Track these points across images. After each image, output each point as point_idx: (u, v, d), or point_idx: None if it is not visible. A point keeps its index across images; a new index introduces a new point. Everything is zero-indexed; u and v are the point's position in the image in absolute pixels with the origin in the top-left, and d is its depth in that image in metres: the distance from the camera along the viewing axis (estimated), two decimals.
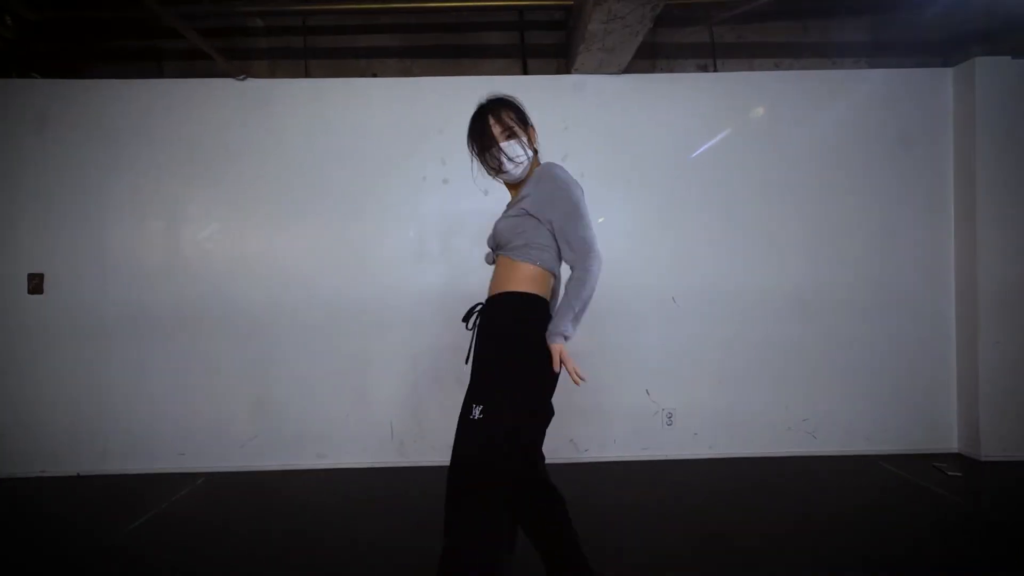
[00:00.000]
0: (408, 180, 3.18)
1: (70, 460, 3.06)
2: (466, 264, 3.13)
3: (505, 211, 1.67)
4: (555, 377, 1.51)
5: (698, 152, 3.19)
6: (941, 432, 3.21)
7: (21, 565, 2.14)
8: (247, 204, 3.16)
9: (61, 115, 3.10)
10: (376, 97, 3.20)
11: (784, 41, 3.38)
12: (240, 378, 3.13)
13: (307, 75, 3.29)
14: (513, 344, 1.48)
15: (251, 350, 3.13)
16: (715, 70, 3.34)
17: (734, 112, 3.22)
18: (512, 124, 1.59)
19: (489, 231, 1.71)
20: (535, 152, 1.68)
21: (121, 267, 3.12)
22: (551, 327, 1.47)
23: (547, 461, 1.62)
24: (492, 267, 1.71)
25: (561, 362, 1.44)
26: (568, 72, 3.22)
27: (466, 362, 1.59)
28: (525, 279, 1.54)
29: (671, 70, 3.35)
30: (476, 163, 1.68)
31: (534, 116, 1.69)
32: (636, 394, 3.17)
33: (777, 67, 3.37)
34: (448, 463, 1.48)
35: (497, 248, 1.65)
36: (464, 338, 1.67)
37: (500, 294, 1.56)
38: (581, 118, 3.18)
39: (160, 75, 3.26)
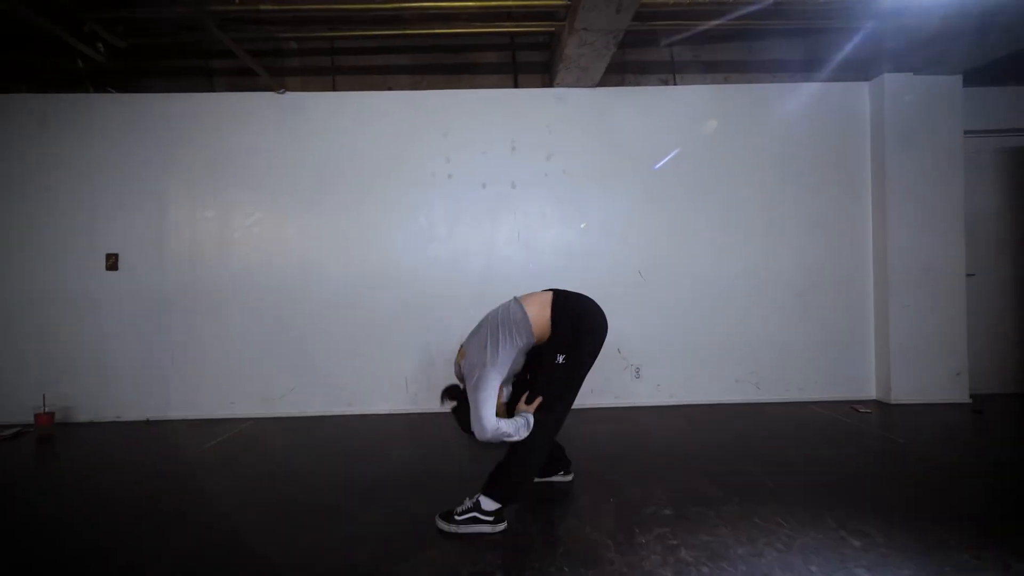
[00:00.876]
0: (418, 176, 3.81)
1: (140, 407, 3.69)
2: (467, 247, 3.76)
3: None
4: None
5: (660, 164, 3.84)
6: (861, 382, 3.87)
7: (114, 489, 2.55)
8: (284, 196, 3.79)
9: (129, 124, 3.73)
10: (391, 107, 3.84)
11: (732, 59, 4.03)
12: (279, 341, 3.75)
13: (334, 89, 3.92)
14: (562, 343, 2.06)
15: (288, 318, 3.75)
16: (675, 83, 3.99)
17: (690, 119, 3.88)
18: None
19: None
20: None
21: (180, 249, 3.74)
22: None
23: None
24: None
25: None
26: (551, 86, 3.85)
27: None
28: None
29: (638, 84, 3.99)
30: None
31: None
32: (609, 352, 3.81)
33: (727, 81, 4.02)
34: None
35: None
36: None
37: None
38: (563, 124, 3.82)
39: (211, 89, 3.88)
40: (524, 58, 3.99)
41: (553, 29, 3.66)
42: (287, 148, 3.80)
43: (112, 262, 3.66)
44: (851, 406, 3.67)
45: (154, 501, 2.36)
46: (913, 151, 3.73)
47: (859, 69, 3.92)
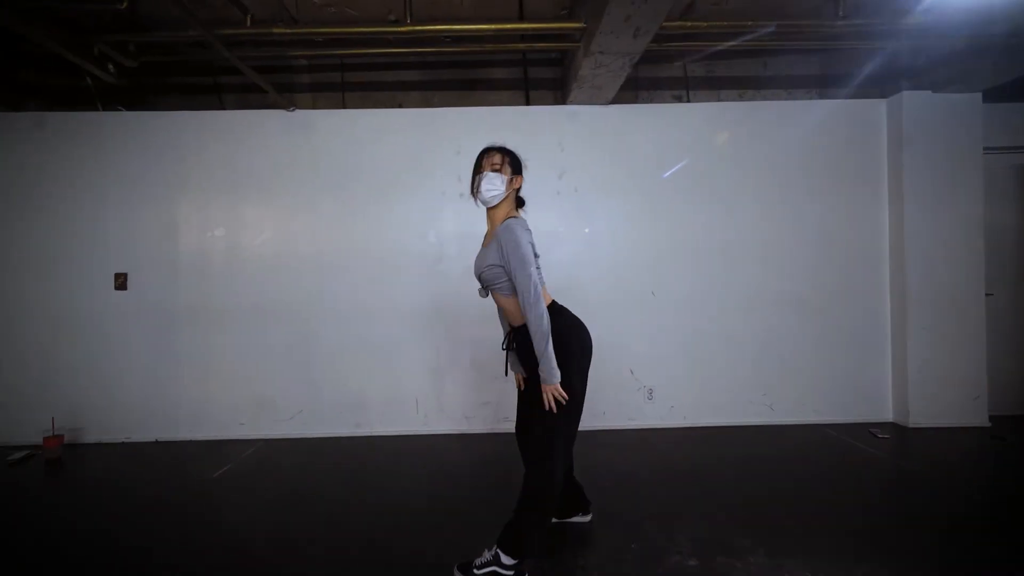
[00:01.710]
0: (429, 194, 3.77)
1: (148, 428, 3.66)
2: None
3: (482, 246, 2.08)
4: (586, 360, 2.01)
5: (668, 174, 3.79)
6: (878, 404, 3.80)
7: (121, 514, 2.60)
8: (293, 215, 3.75)
9: (139, 141, 3.71)
10: (402, 124, 3.80)
11: (747, 75, 3.97)
12: (289, 360, 3.72)
13: (344, 106, 3.88)
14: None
15: (298, 337, 3.72)
16: (688, 100, 3.93)
17: (704, 136, 3.82)
18: (500, 164, 1.98)
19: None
20: (518, 200, 2.05)
21: (189, 267, 3.71)
22: (541, 376, 1.87)
23: None
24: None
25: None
26: (564, 103, 3.80)
27: (505, 374, 2.21)
28: None
29: (651, 100, 3.94)
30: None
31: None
32: (622, 373, 3.76)
33: (741, 98, 3.96)
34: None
35: (486, 286, 2.04)
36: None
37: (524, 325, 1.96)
38: (575, 141, 3.78)
39: (220, 106, 3.85)
40: (536, 74, 3.94)
41: (566, 46, 3.61)
42: (297, 166, 3.76)
43: (121, 281, 3.64)
44: (868, 430, 3.61)
45: (162, 529, 2.33)
46: (931, 169, 3.67)
47: (877, 85, 3.85)
